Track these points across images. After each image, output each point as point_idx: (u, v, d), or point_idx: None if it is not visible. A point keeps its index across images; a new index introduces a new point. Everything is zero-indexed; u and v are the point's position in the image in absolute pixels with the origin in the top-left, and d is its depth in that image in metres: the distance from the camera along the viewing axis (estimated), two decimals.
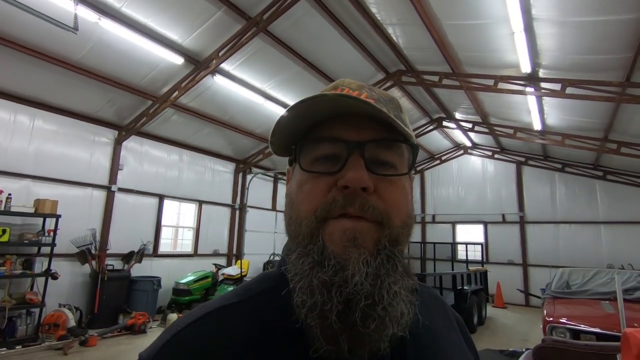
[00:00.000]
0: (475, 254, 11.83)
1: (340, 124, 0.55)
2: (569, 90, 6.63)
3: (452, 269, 10.72)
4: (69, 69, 6.31)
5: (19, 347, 5.47)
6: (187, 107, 8.19)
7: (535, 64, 6.65)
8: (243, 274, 8.04)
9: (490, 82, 7.45)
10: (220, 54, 6.65)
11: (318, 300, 0.46)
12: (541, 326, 5.44)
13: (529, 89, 7.17)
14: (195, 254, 9.75)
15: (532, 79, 7.01)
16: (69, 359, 5.32)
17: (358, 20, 6.63)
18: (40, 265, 6.44)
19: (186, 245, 9.78)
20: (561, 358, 3.10)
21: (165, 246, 9.21)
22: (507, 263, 12.33)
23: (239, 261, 9.31)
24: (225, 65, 7.21)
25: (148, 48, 6.27)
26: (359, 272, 0.47)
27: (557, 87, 6.77)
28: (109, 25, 5.65)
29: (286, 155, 0.62)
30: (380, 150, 0.54)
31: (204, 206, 10.07)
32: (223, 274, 8.81)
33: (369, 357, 0.48)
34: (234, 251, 10.79)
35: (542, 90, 7.06)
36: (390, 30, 6.99)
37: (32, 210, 6.31)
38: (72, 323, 6.22)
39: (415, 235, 14.22)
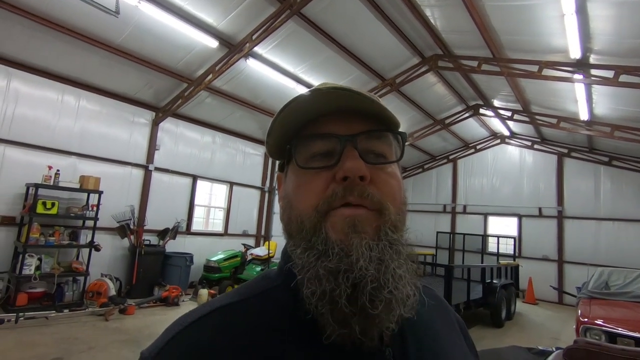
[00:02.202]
0: (508, 247, 11.45)
1: (330, 121, 0.56)
2: (622, 77, 6.11)
3: (482, 262, 10.48)
4: (111, 52, 6.56)
5: (66, 310, 5.95)
6: (220, 90, 8.33)
7: (586, 49, 6.16)
8: (270, 255, 8.23)
9: (534, 68, 6.99)
10: (254, 37, 6.66)
11: (326, 287, 0.47)
12: (574, 326, 5.22)
13: (577, 76, 6.67)
14: (225, 233, 10.09)
15: (581, 65, 6.51)
16: (110, 324, 5.74)
17: (394, 1, 6.38)
18: (84, 237, 6.91)
19: (217, 225, 10.13)
20: None
21: (197, 225, 9.59)
22: (542, 258, 11.83)
23: (267, 242, 9.54)
24: (258, 49, 7.22)
25: (184, 31, 6.39)
26: (362, 256, 0.48)
27: (609, 74, 6.26)
28: (147, 9, 5.79)
29: (279, 158, 0.64)
30: (372, 142, 0.56)
31: (234, 187, 10.33)
32: (251, 254, 9.07)
33: (372, 357, 0.50)
34: (262, 232, 11.06)
35: (592, 78, 6.55)
36: (428, 12, 6.69)
37: (77, 186, 6.73)
38: (113, 292, 6.69)
39: (445, 225, 13.95)
